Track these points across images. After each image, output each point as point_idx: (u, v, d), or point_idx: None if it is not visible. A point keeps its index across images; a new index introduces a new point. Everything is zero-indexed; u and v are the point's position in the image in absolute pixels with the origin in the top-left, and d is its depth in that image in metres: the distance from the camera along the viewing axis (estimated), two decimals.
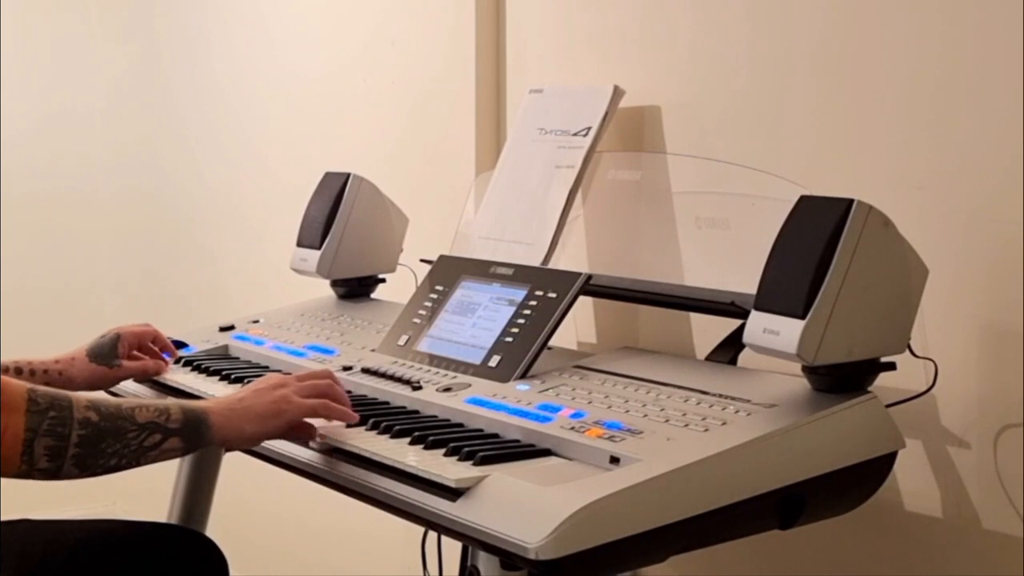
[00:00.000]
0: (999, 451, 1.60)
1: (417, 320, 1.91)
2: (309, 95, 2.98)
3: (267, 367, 1.98)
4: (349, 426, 1.60)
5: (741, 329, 1.52)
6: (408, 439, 1.52)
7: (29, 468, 1.40)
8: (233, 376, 1.91)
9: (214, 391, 1.83)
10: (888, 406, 1.50)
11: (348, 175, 2.24)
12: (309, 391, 1.59)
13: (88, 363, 1.93)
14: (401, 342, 1.90)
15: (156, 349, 2.03)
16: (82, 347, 1.96)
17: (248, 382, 1.72)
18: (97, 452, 1.43)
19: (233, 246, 3.38)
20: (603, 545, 1.24)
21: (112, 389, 2.00)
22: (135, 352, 2.00)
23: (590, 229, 2.03)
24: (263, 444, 1.65)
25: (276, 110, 3.12)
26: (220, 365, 1.98)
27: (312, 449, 1.58)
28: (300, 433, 1.59)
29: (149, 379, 1.99)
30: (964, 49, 1.61)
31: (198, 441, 1.51)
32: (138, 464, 1.47)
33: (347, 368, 1.87)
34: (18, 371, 1.84)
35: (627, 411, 1.51)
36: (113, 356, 1.95)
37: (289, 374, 1.66)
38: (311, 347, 2.03)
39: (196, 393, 1.86)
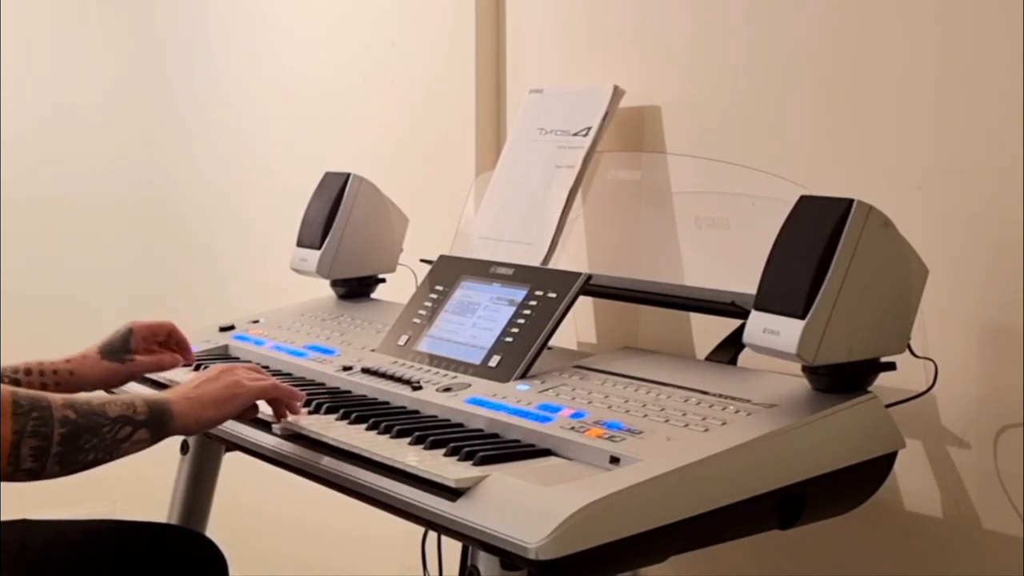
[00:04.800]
0: (999, 451, 1.60)
1: (417, 320, 1.91)
2: (309, 95, 2.98)
3: (267, 367, 1.97)
4: (350, 424, 1.61)
5: (741, 329, 1.52)
6: (408, 439, 1.52)
7: (14, 470, 1.42)
8: None
9: None
10: (888, 406, 1.50)
11: (348, 175, 2.24)
12: (256, 376, 1.66)
13: (100, 360, 1.87)
14: (401, 342, 1.90)
15: (172, 344, 1.96)
16: (94, 344, 1.89)
17: None
18: (77, 448, 1.45)
19: (233, 246, 3.38)
20: (603, 545, 1.24)
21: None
22: (154, 347, 1.93)
23: (590, 229, 2.03)
24: (262, 444, 1.66)
25: (276, 110, 3.12)
26: None
27: (312, 449, 1.58)
28: (248, 415, 1.65)
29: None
30: (964, 49, 1.61)
31: (163, 431, 1.54)
32: (111, 458, 1.50)
33: (347, 368, 1.87)
34: (28, 372, 1.82)
35: (627, 411, 1.51)
36: (125, 351, 1.89)
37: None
38: (311, 347, 2.03)
39: None
